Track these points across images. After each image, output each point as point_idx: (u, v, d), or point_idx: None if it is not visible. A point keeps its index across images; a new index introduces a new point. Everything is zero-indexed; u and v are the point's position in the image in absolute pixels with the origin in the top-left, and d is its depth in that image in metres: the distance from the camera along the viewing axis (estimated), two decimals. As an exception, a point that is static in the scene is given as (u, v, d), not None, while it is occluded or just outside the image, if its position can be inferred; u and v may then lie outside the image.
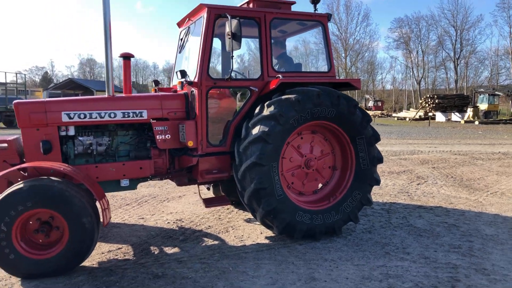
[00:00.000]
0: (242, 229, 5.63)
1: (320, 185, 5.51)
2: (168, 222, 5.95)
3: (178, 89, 5.11)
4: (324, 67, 5.79)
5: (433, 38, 61.70)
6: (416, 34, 61.97)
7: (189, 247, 4.94)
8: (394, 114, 48.77)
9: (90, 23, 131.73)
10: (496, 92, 42.35)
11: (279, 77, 5.09)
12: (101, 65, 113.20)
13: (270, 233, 5.42)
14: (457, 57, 58.67)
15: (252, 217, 6.08)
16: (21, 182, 4.03)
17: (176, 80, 5.51)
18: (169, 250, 4.84)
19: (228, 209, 6.64)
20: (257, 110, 5.00)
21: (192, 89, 5.08)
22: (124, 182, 5.09)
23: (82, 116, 4.82)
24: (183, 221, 6.00)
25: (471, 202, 7.00)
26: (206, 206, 5.35)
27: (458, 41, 58.11)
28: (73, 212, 4.02)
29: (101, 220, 4.28)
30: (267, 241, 5.12)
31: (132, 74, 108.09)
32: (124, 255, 4.67)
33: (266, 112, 4.82)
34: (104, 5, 4.88)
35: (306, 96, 4.88)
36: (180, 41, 6.06)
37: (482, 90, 43.90)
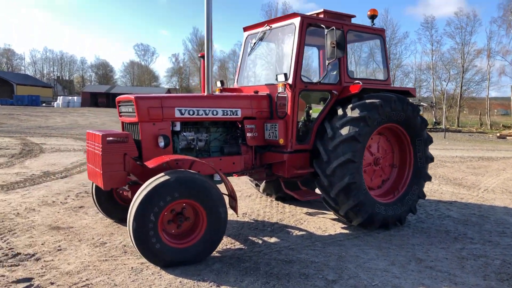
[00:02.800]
0: (313, 221, 6.14)
1: (382, 181, 6.21)
2: (237, 216, 6.24)
3: (279, 91, 5.46)
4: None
5: (365, 50, 66.25)
6: (350, 45, 66.12)
7: (283, 237, 5.34)
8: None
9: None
10: (421, 103, 46.93)
11: (359, 83, 5.68)
12: (20, 56, 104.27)
13: (340, 224, 5.99)
14: (386, 69, 63.67)
15: (311, 210, 6.64)
16: (163, 174, 4.16)
17: (271, 81, 5.84)
18: (269, 239, 5.21)
19: (278, 204, 7.09)
20: (340, 112, 5.55)
21: (279, 90, 5.47)
22: (217, 177, 5.35)
23: (191, 112, 5.02)
24: (250, 216, 6.33)
25: (476, 197, 8.20)
26: (303, 199, 5.77)
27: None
28: (212, 202, 4.27)
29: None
30: (346, 231, 5.69)
31: (57, 68, 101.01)
32: (233, 245, 4.95)
33: (353, 114, 5.39)
34: (207, 6, 5.11)
35: (386, 101, 5.55)
36: (252, 44, 6.36)
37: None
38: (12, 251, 4.56)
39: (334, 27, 5.19)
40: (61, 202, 6.87)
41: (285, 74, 5.34)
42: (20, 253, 4.51)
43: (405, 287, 3.92)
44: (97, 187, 5.52)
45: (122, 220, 5.75)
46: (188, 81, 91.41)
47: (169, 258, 4.15)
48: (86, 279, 3.89)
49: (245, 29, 6.64)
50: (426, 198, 7.92)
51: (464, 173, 11.43)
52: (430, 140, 6.21)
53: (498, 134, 33.61)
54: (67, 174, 9.45)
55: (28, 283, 3.79)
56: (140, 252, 4.09)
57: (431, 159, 6.26)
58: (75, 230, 5.41)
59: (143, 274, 4.03)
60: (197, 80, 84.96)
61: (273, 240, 5.20)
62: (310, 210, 6.74)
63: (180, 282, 3.89)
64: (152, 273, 4.06)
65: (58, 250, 4.66)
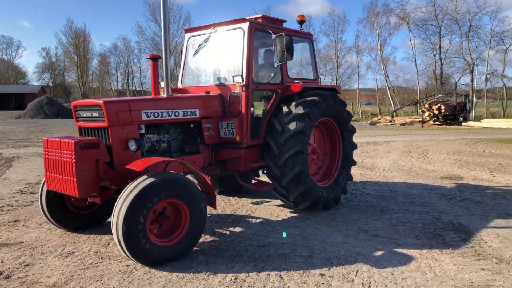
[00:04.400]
0: (263, 209, 6.69)
1: (318, 168, 7.05)
2: (215, 210, 6.49)
3: (236, 91, 5.81)
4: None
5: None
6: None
7: (245, 226, 5.79)
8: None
9: None
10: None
11: (299, 83, 6.37)
12: None
13: (287, 209, 6.66)
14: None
15: (255, 200, 7.22)
16: (146, 176, 4.27)
17: (219, 82, 6.21)
18: (234, 229, 5.61)
19: (223, 197, 7.49)
20: (286, 109, 6.18)
21: (236, 90, 5.86)
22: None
23: (156, 114, 5.13)
24: (203, 210, 6.61)
25: (380, 176, 9.70)
26: (262, 189, 6.22)
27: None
28: (194, 199, 4.52)
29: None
30: (296, 215, 6.38)
31: None
32: (206, 239, 5.23)
33: (298, 110, 6.06)
34: (163, 5, 5.26)
35: (323, 98, 6.35)
36: (196, 46, 6.57)
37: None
38: (-30, 274, 4.17)
39: (283, 33, 5.77)
40: (-13, 218, 6.22)
41: (242, 76, 5.75)
42: (-18, 275, 4.15)
43: (366, 253, 4.73)
44: (48, 196, 5.24)
45: (76, 229, 5.55)
46: (63, 77, 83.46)
47: (158, 257, 4.29)
48: (80, 288, 3.84)
49: (187, 31, 6.82)
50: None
51: (361, 156, 13.18)
52: (354, 130, 7.25)
53: (369, 122, 38.49)
54: (-31, 188, 8.38)
55: (19, 301, 3.60)
56: (129, 254, 4.14)
57: (355, 146, 7.31)
58: (29, 244, 5.06)
59: (135, 275, 4.11)
60: (74, 76, 78.37)
61: (238, 229, 5.62)
62: (255, 200, 7.29)
63: (177, 276, 4.09)
64: (144, 273, 4.17)
65: (26, 265, 4.39)
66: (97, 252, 4.76)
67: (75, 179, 4.35)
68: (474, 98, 39.31)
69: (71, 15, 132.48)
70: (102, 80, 77.31)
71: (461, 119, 32.02)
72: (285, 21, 7.13)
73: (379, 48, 51.00)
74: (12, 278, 4.06)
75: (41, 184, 5.31)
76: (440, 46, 48.08)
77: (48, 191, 5.19)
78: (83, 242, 5.13)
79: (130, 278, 4.05)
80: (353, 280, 4.00)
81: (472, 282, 3.94)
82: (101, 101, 4.66)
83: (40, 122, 33.82)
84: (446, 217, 6.20)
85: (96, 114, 4.76)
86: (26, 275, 4.13)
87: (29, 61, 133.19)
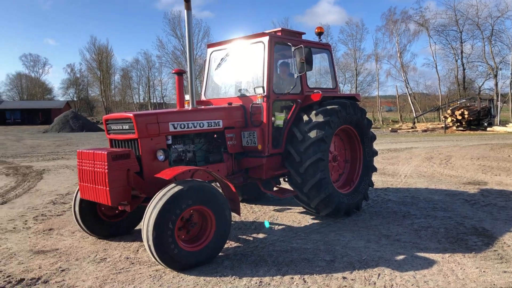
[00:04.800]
0: (285, 216, 6.84)
1: (338, 175, 7.16)
2: (239, 217, 6.72)
3: (258, 102, 6.02)
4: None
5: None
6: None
7: (268, 232, 5.94)
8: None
9: None
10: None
11: (319, 92, 6.53)
12: None
13: (309, 216, 6.78)
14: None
15: (277, 207, 7.36)
16: (174, 184, 4.49)
17: (241, 93, 6.48)
18: (257, 235, 5.77)
19: (245, 205, 7.67)
20: (306, 118, 6.33)
21: (258, 100, 6.07)
22: (206, 184, 5.78)
23: (182, 126, 5.38)
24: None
25: (402, 183, 9.70)
26: (283, 196, 6.39)
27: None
28: (220, 206, 4.71)
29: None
30: (317, 221, 6.49)
31: None
32: (230, 245, 5.40)
33: (318, 119, 6.21)
34: (187, 22, 5.53)
35: (342, 106, 6.49)
36: (219, 60, 6.84)
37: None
38: (12, 278, 4.45)
39: (302, 46, 5.96)
40: (23, 228, 6.56)
41: (263, 87, 5.96)
42: (23, 279, 4.43)
43: (387, 257, 4.81)
44: (81, 205, 5.53)
45: (106, 237, 5.81)
46: (87, 92, 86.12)
47: (186, 262, 4.48)
48: (114, 291, 4.06)
49: (209, 45, 7.12)
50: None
51: (383, 164, 13.16)
52: (374, 137, 7.34)
53: (390, 129, 38.10)
54: (5, 200, 8.82)
55: (58, 303, 3.84)
56: (159, 259, 4.35)
57: (375, 153, 7.40)
58: (64, 251, 5.35)
59: (165, 279, 4.32)
60: (97, 91, 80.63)
61: (261, 236, 5.77)
62: (277, 207, 7.43)
63: (204, 280, 4.27)
64: (173, 277, 4.37)
65: (62, 270, 4.66)
66: (127, 258, 4.99)
67: (107, 188, 4.62)
68: (498, 102, 38.48)
69: (94, 32, 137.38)
70: (124, 94, 79.34)
71: (485, 124, 31.39)
72: (304, 33, 7.33)
73: (398, 55, 50.63)
74: (50, 283, 4.33)
75: (75, 194, 5.61)
76: (462, 51, 47.44)
77: (81, 201, 5.48)
78: (114, 248, 5.38)
79: (160, 282, 4.25)
80: (375, 283, 4.09)
81: (494, 284, 3.97)
82: (131, 114, 4.94)
83: (66, 136, 34.91)
84: (469, 222, 6.20)
85: (127, 127, 5.04)
86: (63, 280, 4.39)
87: (54, 78, 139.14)
